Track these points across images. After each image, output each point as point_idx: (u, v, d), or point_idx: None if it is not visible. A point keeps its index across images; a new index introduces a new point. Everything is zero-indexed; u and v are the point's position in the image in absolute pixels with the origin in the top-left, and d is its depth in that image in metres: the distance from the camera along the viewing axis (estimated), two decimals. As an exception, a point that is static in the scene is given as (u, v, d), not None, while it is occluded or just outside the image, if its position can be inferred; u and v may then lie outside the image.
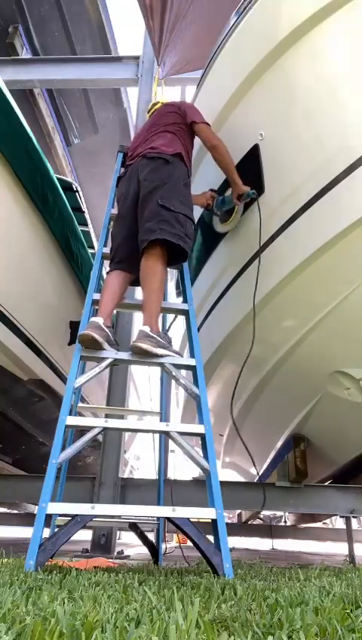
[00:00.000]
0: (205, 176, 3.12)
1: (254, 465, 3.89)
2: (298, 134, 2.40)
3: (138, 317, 5.21)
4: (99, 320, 2.17)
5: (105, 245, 2.68)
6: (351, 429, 3.34)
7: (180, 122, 2.65)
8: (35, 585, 1.21)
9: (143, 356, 2.13)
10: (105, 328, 2.16)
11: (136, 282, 2.50)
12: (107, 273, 2.49)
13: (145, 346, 2.08)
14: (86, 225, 4.48)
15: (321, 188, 2.30)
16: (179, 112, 2.69)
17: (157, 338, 2.14)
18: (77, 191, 4.26)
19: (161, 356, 2.13)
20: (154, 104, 3.37)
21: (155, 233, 2.19)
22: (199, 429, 2.01)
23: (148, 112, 3.35)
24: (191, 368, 2.22)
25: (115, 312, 2.53)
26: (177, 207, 2.28)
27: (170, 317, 2.99)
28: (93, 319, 2.19)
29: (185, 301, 2.50)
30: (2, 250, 2.90)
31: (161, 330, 2.27)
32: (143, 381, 9.59)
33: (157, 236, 2.19)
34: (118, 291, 2.37)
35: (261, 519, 8.24)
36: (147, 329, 2.15)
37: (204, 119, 2.63)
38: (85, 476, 4.13)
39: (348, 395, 2.99)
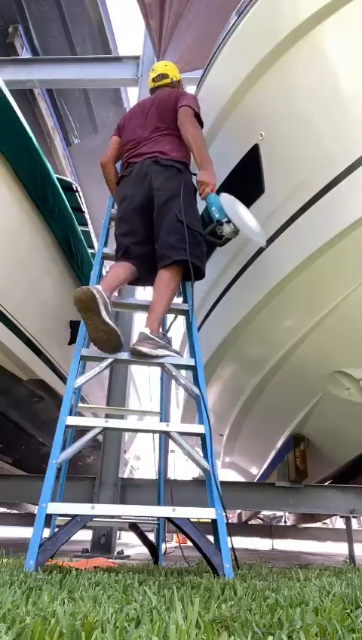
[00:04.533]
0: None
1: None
2: (298, 134, 2.40)
3: (138, 317, 5.21)
4: (98, 286, 2.10)
5: (105, 245, 2.68)
6: (351, 429, 3.34)
7: None
8: (35, 585, 1.21)
9: (143, 357, 2.13)
10: (106, 297, 2.08)
11: (137, 282, 2.50)
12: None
13: (144, 349, 2.09)
14: (86, 225, 4.48)
15: (321, 188, 2.30)
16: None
17: (157, 339, 2.14)
18: (77, 191, 4.26)
19: (161, 357, 2.13)
20: (160, 75, 3.14)
21: (180, 253, 2.21)
22: (199, 429, 2.01)
23: (153, 82, 3.14)
24: (191, 368, 2.22)
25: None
26: (195, 225, 2.30)
27: (170, 317, 2.99)
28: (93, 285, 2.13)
29: (185, 301, 2.50)
30: (2, 250, 2.90)
31: (161, 331, 2.27)
32: (143, 381, 9.58)
33: (182, 257, 2.21)
34: (122, 276, 2.34)
35: (261, 519, 8.24)
36: (147, 331, 2.14)
37: (195, 108, 2.52)
38: (85, 476, 4.13)
39: (348, 395, 2.99)
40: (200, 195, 2.36)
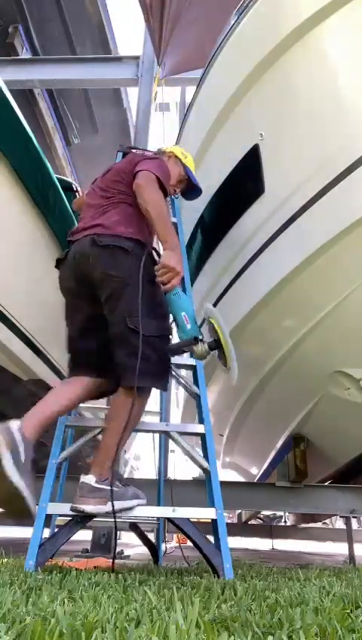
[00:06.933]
0: (205, 176, 3.12)
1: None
2: (298, 134, 2.40)
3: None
4: (13, 424, 1.58)
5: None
6: (351, 429, 3.34)
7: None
8: (35, 585, 1.21)
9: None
10: (20, 439, 1.53)
11: (111, 393, 1.89)
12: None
13: (89, 507, 1.61)
14: (86, 225, 4.48)
15: (321, 188, 2.30)
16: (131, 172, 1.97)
17: (107, 488, 1.63)
18: (77, 191, 4.26)
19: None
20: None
21: (129, 374, 1.67)
22: (199, 428, 2.02)
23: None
24: (191, 368, 2.23)
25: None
26: (149, 328, 1.71)
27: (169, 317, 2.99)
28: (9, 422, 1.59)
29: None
30: (2, 250, 2.90)
31: (113, 470, 1.70)
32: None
33: (128, 383, 1.69)
34: (66, 399, 1.77)
35: (261, 519, 8.24)
36: (91, 480, 1.65)
37: (159, 174, 1.90)
38: (85, 476, 4.12)
39: (348, 395, 2.98)
40: (161, 286, 1.77)
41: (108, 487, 1.63)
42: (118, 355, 1.73)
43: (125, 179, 1.95)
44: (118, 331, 1.72)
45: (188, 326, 1.76)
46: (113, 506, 1.60)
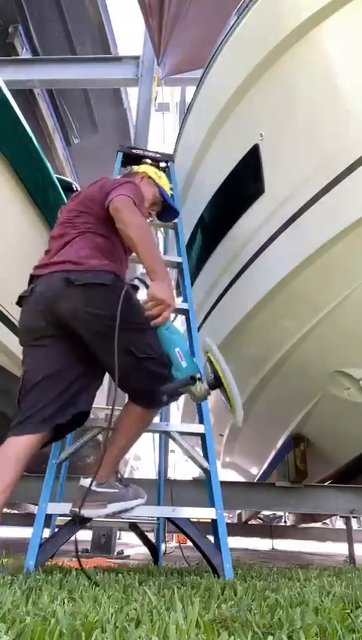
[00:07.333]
0: (205, 176, 3.12)
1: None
2: (298, 134, 2.40)
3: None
4: None
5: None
6: (351, 429, 3.34)
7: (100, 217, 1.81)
8: (35, 585, 1.21)
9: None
10: None
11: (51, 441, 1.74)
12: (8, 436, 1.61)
13: (88, 511, 1.59)
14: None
15: (322, 187, 2.30)
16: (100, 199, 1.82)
17: (106, 491, 1.62)
18: (77, 191, 4.26)
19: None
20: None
21: (150, 397, 1.62)
22: (199, 428, 2.02)
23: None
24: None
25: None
26: (156, 348, 1.65)
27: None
28: None
29: (185, 301, 2.49)
30: (2, 251, 2.90)
31: (115, 475, 1.69)
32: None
33: (156, 404, 1.69)
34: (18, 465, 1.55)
35: (261, 519, 8.24)
36: (87, 484, 1.58)
37: (135, 197, 1.76)
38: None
39: (348, 395, 2.99)
40: (150, 319, 1.58)
41: (109, 490, 1.61)
42: (134, 383, 1.63)
43: (93, 209, 1.81)
44: (125, 364, 1.57)
45: (184, 363, 1.59)
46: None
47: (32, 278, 1.79)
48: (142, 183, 2.15)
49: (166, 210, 2.32)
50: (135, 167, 2.45)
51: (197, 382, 1.55)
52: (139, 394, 1.66)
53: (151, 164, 2.73)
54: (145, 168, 2.31)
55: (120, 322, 1.55)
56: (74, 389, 1.68)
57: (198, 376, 1.56)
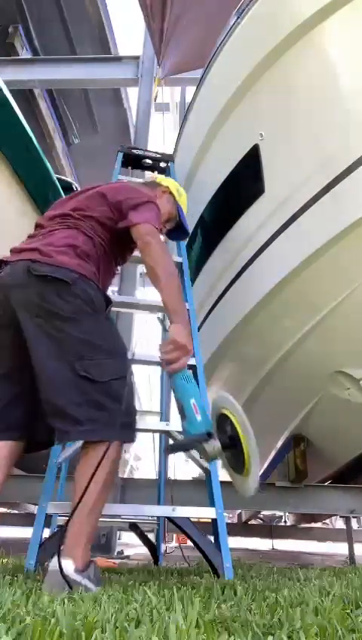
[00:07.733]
0: (205, 176, 3.12)
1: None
2: (298, 134, 2.40)
3: (138, 317, 5.16)
4: None
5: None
6: (351, 429, 3.34)
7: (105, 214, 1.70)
8: (35, 585, 1.21)
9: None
10: None
11: (37, 447, 1.63)
12: None
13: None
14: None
15: (322, 187, 2.30)
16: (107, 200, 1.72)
17: (82, 582, 1.22)
18: (77, 190, 4.26)
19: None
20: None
21: (89, 427, 1.37)
22: (199, 428, 2.01)
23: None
24: (192, 368, 2.22)
25: None
26: (109, 370, 1.43)
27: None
28: None
29: (185, 301, 2.49)
30: (2, 251, 2.91)
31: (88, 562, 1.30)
32: (143, 381, 9.59)
33: (91, 437, 1.40)
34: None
35: (261, 519, 8.24)
36: (69, 567, 1.21)
37: (156, 223, 1.68)
38: (85, 476, 4.11)
39: (348, 395, 2.98)
40: (165, 367, 1.49)
41: (85, 580, 1.22)
42: (59, 397, 1.39)
43: (97, 210, 1.69)
44: (60, 375, 1.40)
45: (199, 417, 1.42)
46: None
47: (1, 264, 1.61)
48: (162, 197, 2.08)
49: (177, 230, 2.26)
50: (158, 178, 2.37)
51: (211, 439, 1.39)
52: (57, 413, 1.39)
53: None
54: (169, 183, 2.23)
55: (75, 329, 1.43)
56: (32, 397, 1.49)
57: (212, 432, 1.41)
